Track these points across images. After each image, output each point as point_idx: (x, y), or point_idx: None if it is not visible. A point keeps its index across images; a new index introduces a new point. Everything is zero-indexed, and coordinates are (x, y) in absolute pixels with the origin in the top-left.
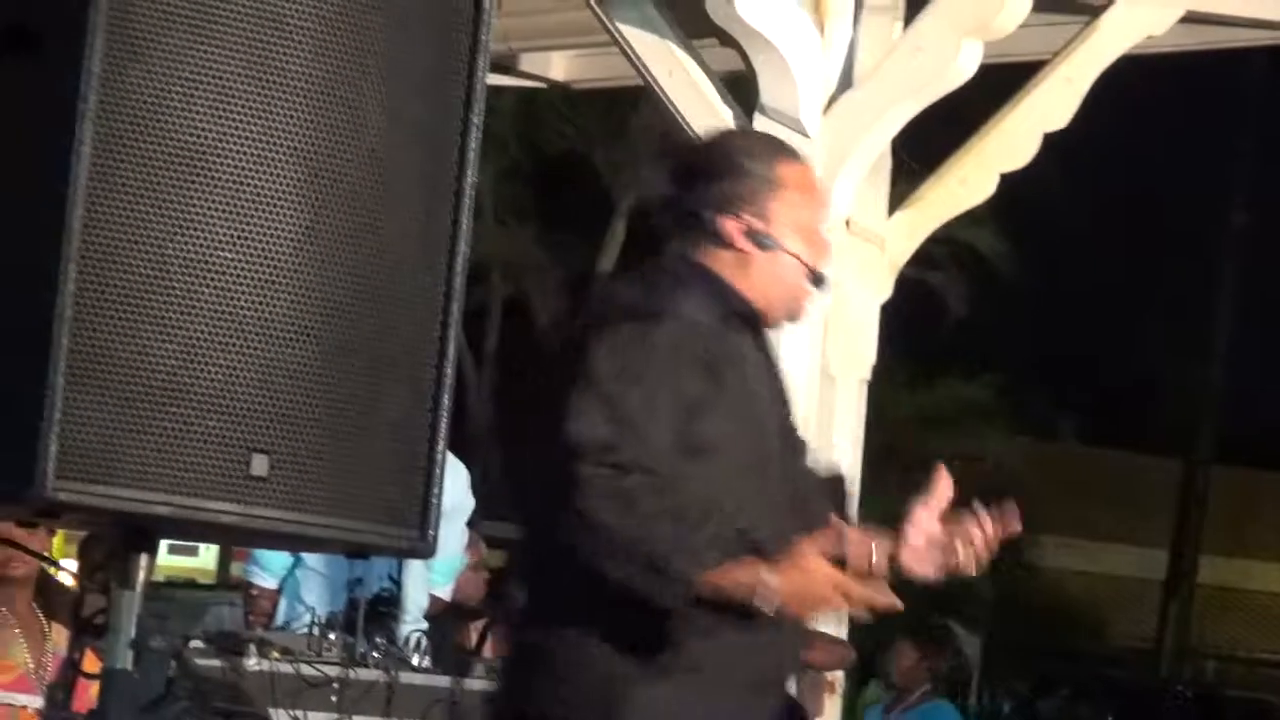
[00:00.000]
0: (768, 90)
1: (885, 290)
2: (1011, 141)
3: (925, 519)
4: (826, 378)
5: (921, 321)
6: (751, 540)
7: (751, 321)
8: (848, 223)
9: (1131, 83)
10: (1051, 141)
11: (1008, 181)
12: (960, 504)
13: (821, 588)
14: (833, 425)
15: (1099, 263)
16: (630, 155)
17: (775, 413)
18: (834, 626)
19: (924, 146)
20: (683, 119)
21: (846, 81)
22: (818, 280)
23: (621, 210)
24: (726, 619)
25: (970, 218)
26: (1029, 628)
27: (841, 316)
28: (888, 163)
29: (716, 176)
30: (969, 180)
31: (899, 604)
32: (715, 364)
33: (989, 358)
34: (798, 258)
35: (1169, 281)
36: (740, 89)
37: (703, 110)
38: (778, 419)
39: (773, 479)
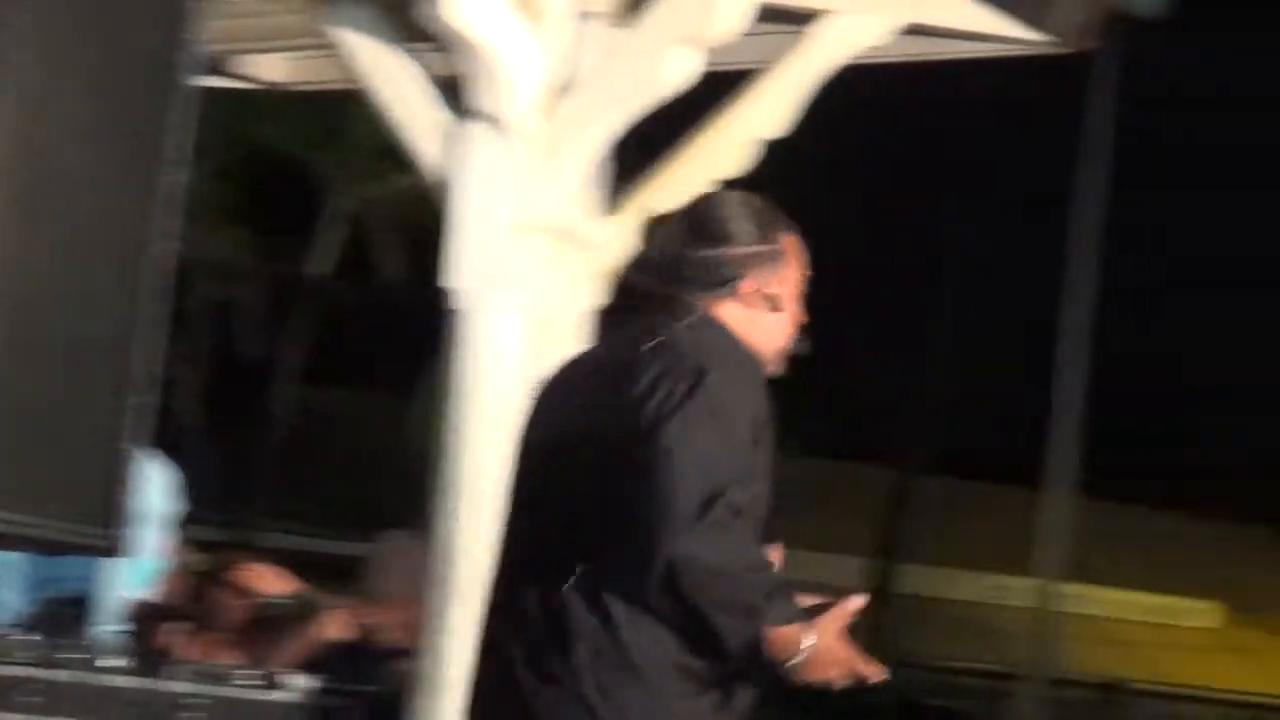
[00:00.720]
0: (479, 94)
1: (598, 297)
2: (724, 149)
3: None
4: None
5: None
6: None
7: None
8: (561, 229)
9: (856, 91)
10: (771, 148)
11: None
12: None
13: (839, 660)
14: None
15: (814, 273)
16: (344, 159)
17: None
18: None
19: (653, 154)
20: (397, 122)
21: (563, 87)
22: (801, 341)
23: (335, 213)
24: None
25: None
26: None
27: (550, 324)
28: (605, 168)
29: (735, 240)
30: (681, 188)
31: (885, 675)
32: (759, 416)
33: None
34: (792, 320)
35: (887, 293)
36: (459, 93)
37: (417, 114)
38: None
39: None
